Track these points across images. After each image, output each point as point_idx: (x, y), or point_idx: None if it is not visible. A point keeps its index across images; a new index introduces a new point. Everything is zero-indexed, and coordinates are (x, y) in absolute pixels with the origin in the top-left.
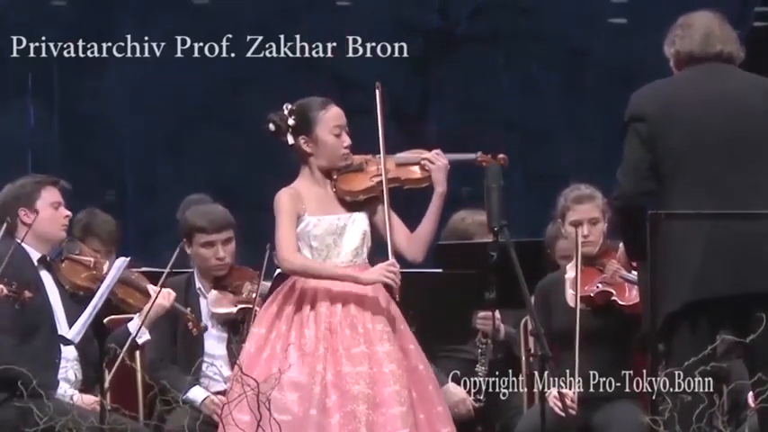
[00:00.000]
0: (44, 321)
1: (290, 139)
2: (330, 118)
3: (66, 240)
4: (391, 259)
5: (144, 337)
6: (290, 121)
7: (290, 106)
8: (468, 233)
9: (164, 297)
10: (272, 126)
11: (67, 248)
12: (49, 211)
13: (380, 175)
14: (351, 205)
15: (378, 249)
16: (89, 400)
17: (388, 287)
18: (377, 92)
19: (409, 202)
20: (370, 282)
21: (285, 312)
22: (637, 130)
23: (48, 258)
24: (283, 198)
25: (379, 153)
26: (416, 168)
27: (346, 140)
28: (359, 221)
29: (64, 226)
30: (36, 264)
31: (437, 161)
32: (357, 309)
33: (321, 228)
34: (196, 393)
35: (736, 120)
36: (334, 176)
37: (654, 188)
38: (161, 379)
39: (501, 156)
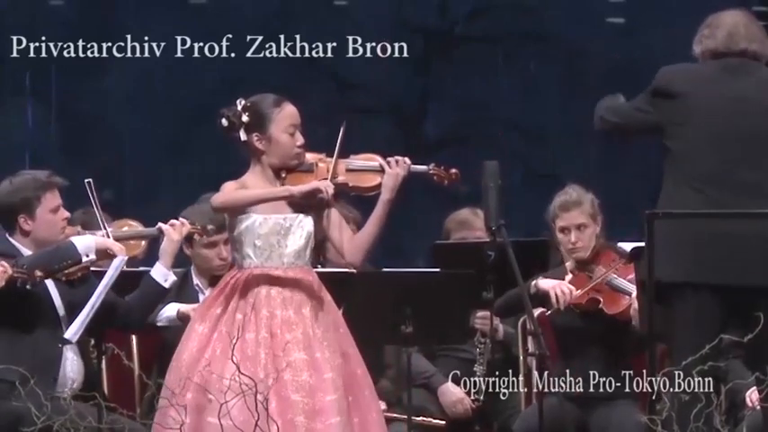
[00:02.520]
0: (44, 317)
1: (243, 136)
2: (285, 116)
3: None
4: (329, 180)
5: (170, 279)
6: (244, 118)
7: (243, 102)
8: (445, 230)
9: (176, 231)
10: (224, 121)
11: None
12: (48, 217)
13: (328, 178)
14: (297, 206)
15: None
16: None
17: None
18: (341, 128)
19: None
20: (303, 192)
21: (227, 313)
22: (656, 104)
23: None
24: (229, 185)
25: (333, 153)
26: (368, 175)
27: (299, 140)
28: (304, 223)
29: (63, 228)
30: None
31: (395, 168)
32: (297, 314)
33: (267, 226)
34: (169, 309)
35: (753, 116)
36: (283, 175)
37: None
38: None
39: (453, 170)
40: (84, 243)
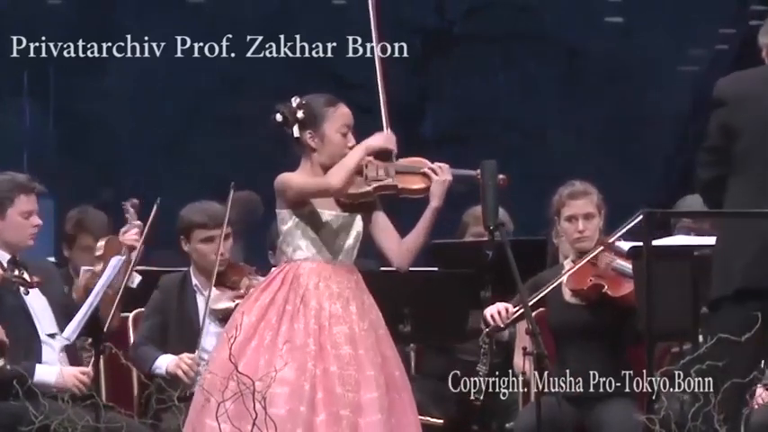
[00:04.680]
0: (21, 320)
1: (296, 132)
2: (339, 116)
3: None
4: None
5: (136, 280)
6: (300, 114)
7: (298, 99)
8: (462, 224)
9: (131, 239)
10: (279, 117)
11: None
12: (18, 220)
13: (379, 180)
14: (345, 206)
15: (368, 253)
16: (72, 371)
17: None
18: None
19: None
20: (377, 144)
21: (276, 303)
22: (715, 115)
23: (17, 259)
24: (287, 174)
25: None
26: (416, 178)
27: (351, 141)
28: (354, 222)
29: (32, 235)
30: (6, 265)
31: (441, 175)
32: (344, 309)
33: (321, 221)
34: (161, 362)
35: None
36: None
37: (718, 174)
38: (136, 356)
39: (501, 176)
40: (46, 375)
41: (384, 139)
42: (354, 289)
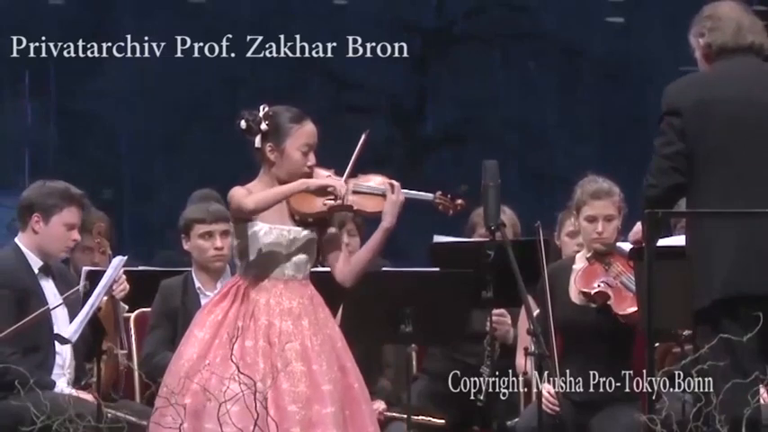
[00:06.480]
0: (44, 329)
1: (258, 143)
2: (302, 134)
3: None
4: (342, 180)
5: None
6: (263, 126)
7: (266, 109)
8: (471, 224)
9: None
10: (243, 123)
11: None
12: (60, 230)
13: (334, 199)
14: (298, 222)
15: None
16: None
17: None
18: (363, 136)
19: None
20: (316, 185)
21: (228, 320)
22: (671, 123)
23: (50, 267)
24: (239, 191)
25: (342, 172)
26: (373, 200)
27: (311, 160)
28: (307, 237)
29: (67, 248)
30: (37, 272)
31: (395, 196)
32: (295, 325)
33: (271, 236)
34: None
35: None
36: None
37: (681, 181)
38: (156, 365)
39: (459, 201)
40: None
41: (336, 185)
42: (307, 304)
